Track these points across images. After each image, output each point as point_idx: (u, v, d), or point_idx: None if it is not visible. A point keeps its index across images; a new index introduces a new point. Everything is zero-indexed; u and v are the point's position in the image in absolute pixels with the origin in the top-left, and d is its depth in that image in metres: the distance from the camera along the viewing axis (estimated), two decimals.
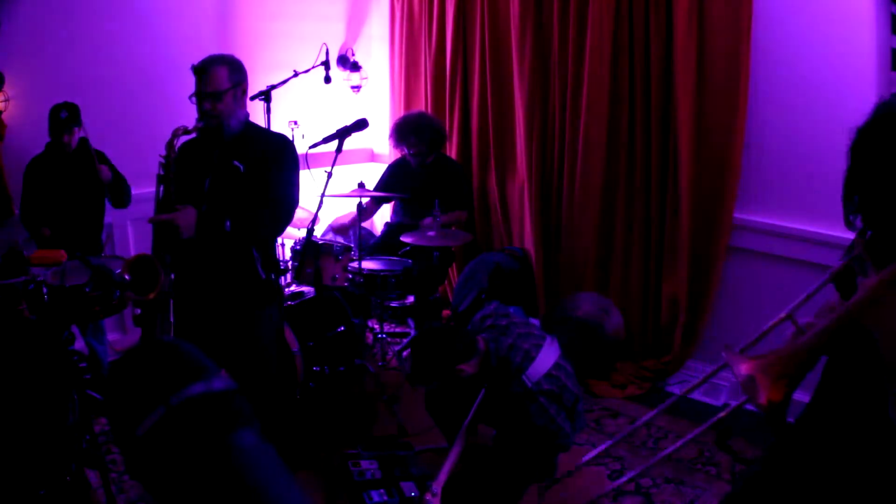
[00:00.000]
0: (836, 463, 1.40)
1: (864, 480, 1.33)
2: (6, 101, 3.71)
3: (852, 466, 1.31)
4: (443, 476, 2.55)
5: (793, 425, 1.61)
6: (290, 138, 2.89)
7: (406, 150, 4.40)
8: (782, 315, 1.64)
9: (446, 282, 4.90)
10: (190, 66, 2.72)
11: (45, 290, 3.09)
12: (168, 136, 2.80)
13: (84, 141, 3.68)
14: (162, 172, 2.58)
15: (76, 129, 3.55)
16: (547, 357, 2.66)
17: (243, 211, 2.64)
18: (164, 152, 2.61)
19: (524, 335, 2.71)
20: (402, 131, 4.38)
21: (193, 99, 2.70)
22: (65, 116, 3.49)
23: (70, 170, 3.61)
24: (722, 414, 1.76)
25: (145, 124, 4.16)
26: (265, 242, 2.82)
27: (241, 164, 2.68)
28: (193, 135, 2.70)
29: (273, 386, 2.91)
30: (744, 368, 1.40)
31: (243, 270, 2.74)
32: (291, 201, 2.78)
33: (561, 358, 2.73)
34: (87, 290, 2.96)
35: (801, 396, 1.47)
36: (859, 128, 1.38)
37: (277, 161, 2.73)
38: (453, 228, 4.40)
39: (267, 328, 2.84)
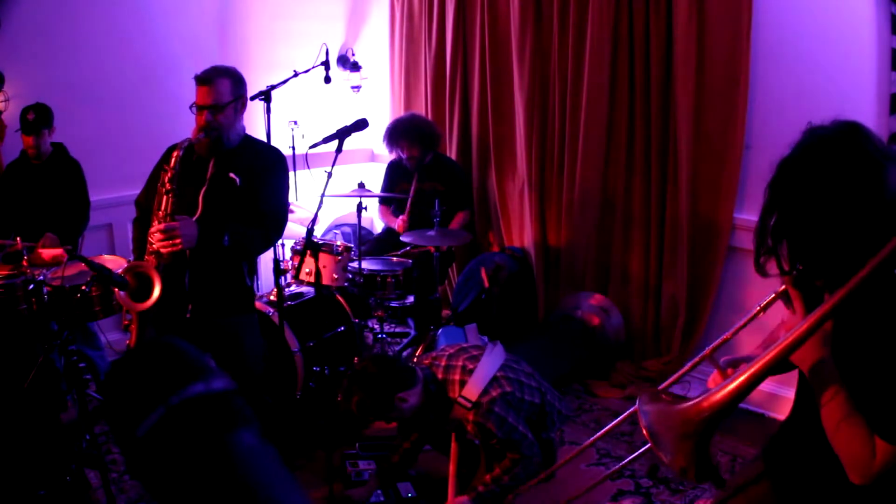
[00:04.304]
0: (822, 466, 1.38)
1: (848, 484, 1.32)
2: (6, 101, 3.70)
3: (837, 470, 1.28)
4: None
5: (782, 426, 1.60)
6: (283, 153, 2.90)
7: (401, 154, 4.40)
8: (704, 353, 1.55)
9: (446, 282, 4.90)
10: (190, 67, 2.71)
11: (45, 290, 3.10)
12: (167, 136, 2.79)
13: (60, 147, 3.66)
14: (168, 186, 2.56)
15: (45, 130, 3.52)
16: (488, 365, 2.61)
17: (241, 227, 2.65)
18: (171, 163, 2.59)
19: (455, 354, 2.69)
20: (394, 135, 4.38)
21: (194, 109, 2.69)
22: (32, 118, 3.47)
23: (43, 177, 3.58)
24: (642, 449, 1.69)
25: (145, 124, 4.16)
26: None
27: (238, 176, 2.69)
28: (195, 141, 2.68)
29: (260, 388, 2.92)
30: (650, 416, 1.29)
31: (231, 278, 2.76)
32: (283, 217, 2.82)
33: (509, 360, 2.69)
34: (87, 289, 2.97)
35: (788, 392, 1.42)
36: (782, 161, 1.32)
37: (271, 175, 2.76)
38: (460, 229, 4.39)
39: (252, 332, 2.87)
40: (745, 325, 1.53)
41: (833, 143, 1.26)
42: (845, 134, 1.26)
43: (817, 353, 1.26)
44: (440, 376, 2.61)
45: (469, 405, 2.52)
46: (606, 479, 1.73)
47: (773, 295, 1.42)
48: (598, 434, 1.87)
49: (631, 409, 1.44)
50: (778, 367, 1.28)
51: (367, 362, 2.57)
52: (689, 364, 1.63)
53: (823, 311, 1.21)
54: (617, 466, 1.84)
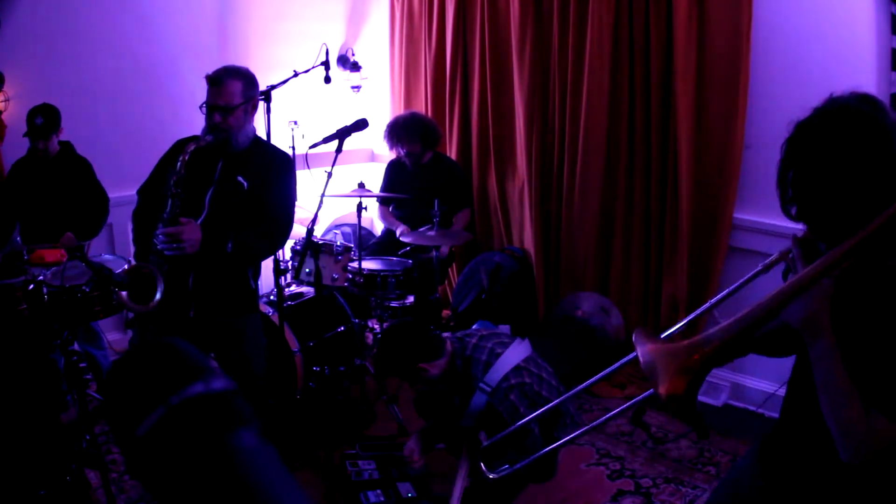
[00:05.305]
0: (817, 457, 1.38)
1: (845, 476, 1.32)
2: (6, 101, 3.70)
3: (832, 462, 1.28)
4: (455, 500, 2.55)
5: (777, 420, 1.61)
6: (291, 157, 2.88)
7: (400, 152, 4.40)
8: (705, 307, 1.60)
9: (446, 282, 4.90)
10: (190, 67, 2.70)
11: (45, 290, 3.10)
12: (166, 136, 2.77)
13: (67, 145, 3.65)
14: (173, 189, 2.53)
15: (53, 134, 3.51)
16: (515, 354, 2.66)
17: (245, 234, 2.62)
18: (176, 166, 2.56)
19: (487, 336, 2.74)
20: (394, 132, 4.39)
21: (204, 109, 2.65)
22: (40, 123, 3.45)
23: (50, 175, 3.57)
24: (639, 398, 1.69)
25: (145, 124, 4.16)
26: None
27: (245, 180, 2.66)
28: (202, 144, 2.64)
29: (262, 389, 2.92)
30: (648, 351, 1.32)
31: (236, 280, 2.75)
32: (289, 222, 2.79)
33: (534, 356, 2.72)
34: (87, 289, 2.97)
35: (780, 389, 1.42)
36: (799, 122, 1.36)
37: (279, 179, 2.73)
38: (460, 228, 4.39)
39: (255, 332, 2.86)
40: (748, 282, 1.56)
41: (851, 110, 1.28)
42: (863, 103, 1.29)
43: (815, 310, 1.26)
44: (467, 353, 2.66)
45: (489, 390, 2.57)
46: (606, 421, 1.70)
47: (777, 255, 1.44)
48: (613, 413, 1.83)
49: (630, 356, 1.45)
50: (777, 341, 1.28)
51: (398, 327, 2.65)
52: (691, 315, 1.66)
53: (823, 264, 1.23)
54: (614, 412, 1.81)
